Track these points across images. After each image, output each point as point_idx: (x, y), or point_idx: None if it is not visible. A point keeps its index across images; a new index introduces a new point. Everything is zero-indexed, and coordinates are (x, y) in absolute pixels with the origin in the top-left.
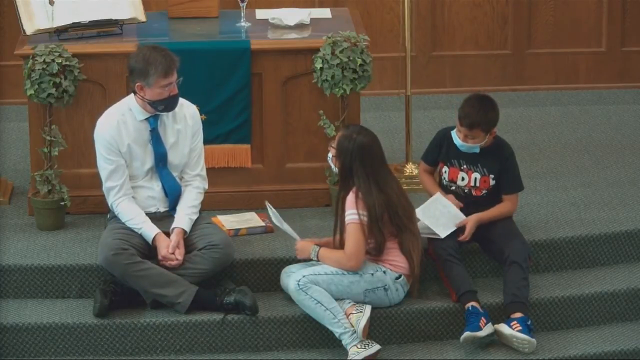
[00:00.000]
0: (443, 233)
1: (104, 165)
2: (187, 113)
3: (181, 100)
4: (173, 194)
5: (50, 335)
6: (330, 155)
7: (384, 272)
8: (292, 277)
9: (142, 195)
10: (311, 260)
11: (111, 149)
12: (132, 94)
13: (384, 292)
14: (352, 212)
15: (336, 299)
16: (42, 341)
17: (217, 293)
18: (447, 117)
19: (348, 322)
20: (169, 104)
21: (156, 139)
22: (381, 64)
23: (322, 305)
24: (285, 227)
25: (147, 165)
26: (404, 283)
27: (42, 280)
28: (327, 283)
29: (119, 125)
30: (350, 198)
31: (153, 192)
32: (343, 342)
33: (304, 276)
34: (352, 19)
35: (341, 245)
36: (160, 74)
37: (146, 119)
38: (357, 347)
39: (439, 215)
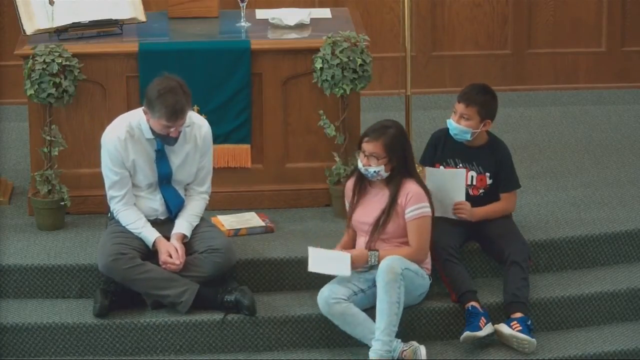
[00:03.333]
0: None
1: (108, 174)
2: (198, 134)
3: (193, 118)
4: (176, 208)
5: (50, 335)
6: (375, 170)
7: (429, 275)
8: (397, 262)
9: (144, 205)
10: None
11: (116, 161)
12: None
13: (424, 296)
14: (425, 205)
15: None
16: (42, 341)
17: (218, 291)
18: (447, 117)
19: (395, 342)
20: (167, 141)
21: (161, 160)
22: (381, 64)
23: (399, 308)
24: (335, 261)
25: (150, 180)
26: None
27: (42, 280)
28: (410, 281)
29: (125, 140)
30: (418, 191)
31: (155, 204)
32: (372, 347)
33: (406, 268)
34: (352, 19)
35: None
36: (163, 117)
37: (154, 137)
38: None
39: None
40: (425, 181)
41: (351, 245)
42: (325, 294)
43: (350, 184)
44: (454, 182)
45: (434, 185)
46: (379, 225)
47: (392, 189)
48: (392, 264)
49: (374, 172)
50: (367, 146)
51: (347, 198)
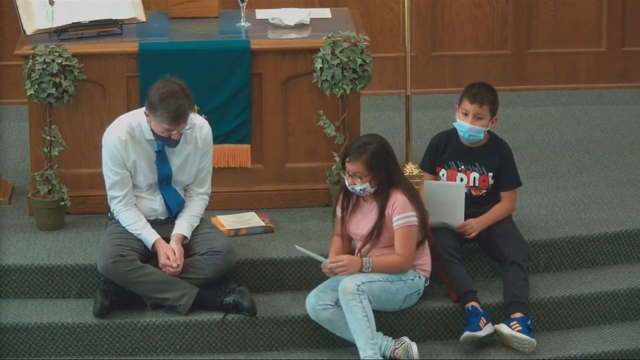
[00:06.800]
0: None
1: (108, 174)
2: (199, 135)
3: (195, 119)
4: (176, 208)
5: (50, 335)
6: (361, 187)
7: (419, 277)
8: (351, 279)
9: (144, 206)
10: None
11: (116, 161)
12: None
13: (417, 297)
14: (410, 215)
15: (376, 309)
16: (42, 341)
17: (217, 293)
18: (447, 117)
19: (379, 349)
20: (168, 143)
21: (161, 161)
22: (381, 64)
23: (368, 320)
24: (314, 256)
25: (150, 181)
26: (426, 285)
27: (42, 280)
28: (380, 290)
29: (126, 140)
30: (404, 200)
31: (155, 205)
32: None
33: (362, 282)
34: (352, 19)
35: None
36: (165, 121)
37: (154, 139)
38: None
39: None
40: (422, 193)
41: (343, 251)
42: (312, 300)
43: (339, 201)
44: (454, 196)
45: (433, 201)
46: (372, 237)
47: (380, 203)
48: (344, 285)
49: (360, 189)
50: (350, 166)
51: (337, 213)
